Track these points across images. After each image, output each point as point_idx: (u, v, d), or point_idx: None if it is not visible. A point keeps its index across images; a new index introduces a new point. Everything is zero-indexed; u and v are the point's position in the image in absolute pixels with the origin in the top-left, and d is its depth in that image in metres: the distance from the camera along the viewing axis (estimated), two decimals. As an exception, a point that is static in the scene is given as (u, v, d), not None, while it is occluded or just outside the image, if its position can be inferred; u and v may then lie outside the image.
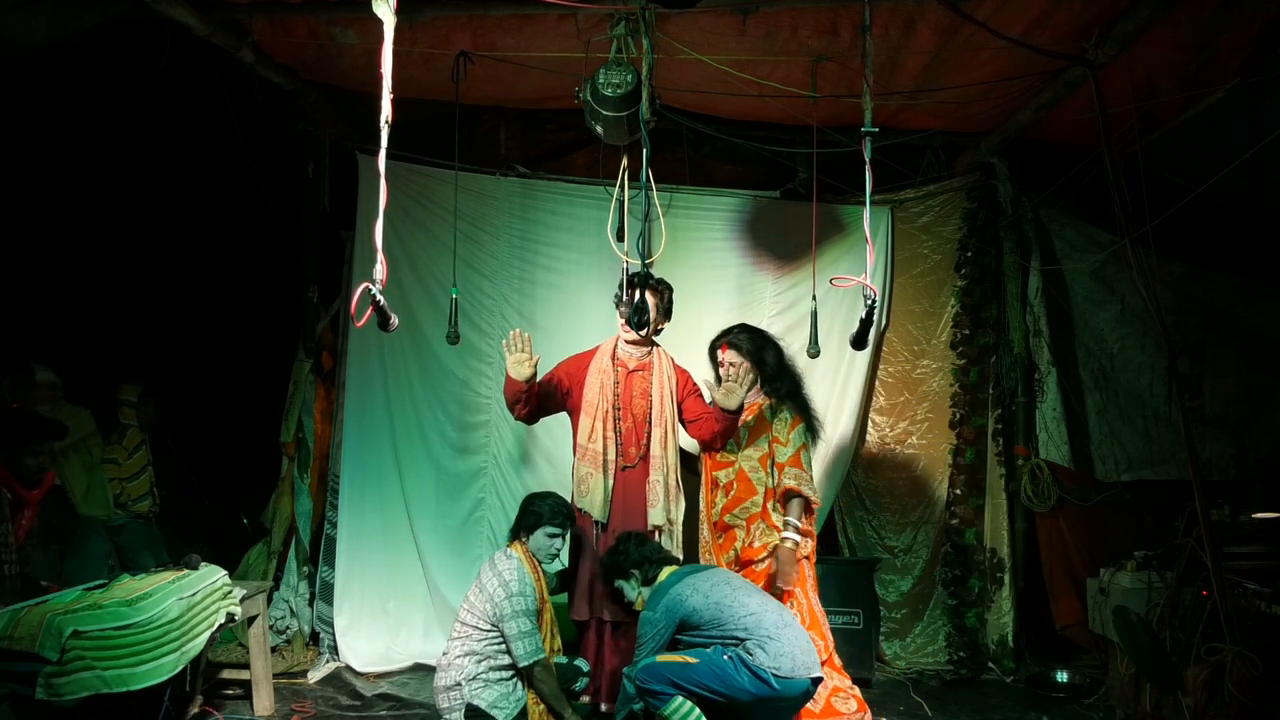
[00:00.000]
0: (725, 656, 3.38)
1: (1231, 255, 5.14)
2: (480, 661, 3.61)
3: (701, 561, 4.05)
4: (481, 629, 3.63)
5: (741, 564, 3.91)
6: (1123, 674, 4.27)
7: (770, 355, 4.06)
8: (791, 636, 3.42)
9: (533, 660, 3.58)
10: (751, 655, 3.35)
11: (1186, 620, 3.89)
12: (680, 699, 3.37)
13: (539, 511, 3.80)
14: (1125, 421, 5.26)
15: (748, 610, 3.45)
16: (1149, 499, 5.01)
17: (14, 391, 4.68)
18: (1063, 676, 4.89)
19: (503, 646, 3.62)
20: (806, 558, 3.94)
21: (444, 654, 3.73)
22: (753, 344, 4.06)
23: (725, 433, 4.01)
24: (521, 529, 3.82)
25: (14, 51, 3.67)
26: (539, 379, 3.98)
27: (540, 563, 3.83)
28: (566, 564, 4.12)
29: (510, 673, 3.66)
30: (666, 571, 3.67)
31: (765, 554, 3.86)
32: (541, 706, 3.63)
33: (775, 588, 3.79)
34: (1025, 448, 5.30)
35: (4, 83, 4.39)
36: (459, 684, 3.59)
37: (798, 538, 3.79)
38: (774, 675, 3.31)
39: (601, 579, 3.85)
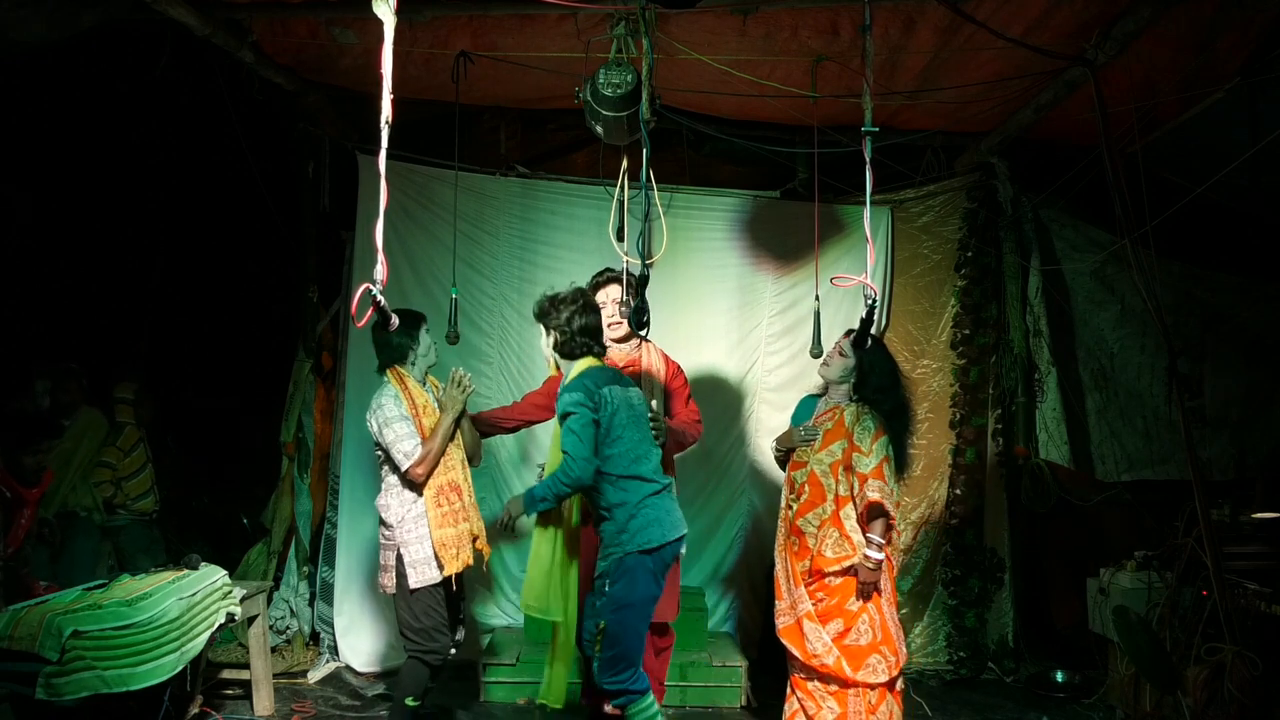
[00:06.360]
0: (623, 555, 3.30)
1: (1231, 255, 5.14)
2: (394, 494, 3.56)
3: (778, 563, 3.84)
4: (379, 463, 3.59)
5: (813, 574, 3.66)
6: (1123, 674, 4.28)
7: (877, 370, 3.76)
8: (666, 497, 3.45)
9: (412, 461, 3.43)
10: (638, 531, 3.29)
11: (1186, 620, 3.89)
12: (645, 701, 3.32)
13: (403, 341, 3.58)
14: (1125, 421, 5.25)
15: (651, 472, 3.40)
16: (1149, 499, 5.00)
17: (55, 395, 4.68)
18: (1063, 676, 4.89)
19: None
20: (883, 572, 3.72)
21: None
22: (858, 346, 3.71)
23: (671, 447, 3.96)
24: (394, 360, 3.61)
25: (14, 51, 3.67)
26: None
27: (427, 372, 3.72)
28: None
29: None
30: (590, 360, 3.48)
31: (839, 567, 3.57)
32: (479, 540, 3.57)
33: (851, 603, 3.61)
34: (1025, 448, 5.30)
35: (4, 83, 4.40)
36: (387, 525, 3.53)
37: (880, 556, 3.53)
38: (666, 540, 3.33)
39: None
